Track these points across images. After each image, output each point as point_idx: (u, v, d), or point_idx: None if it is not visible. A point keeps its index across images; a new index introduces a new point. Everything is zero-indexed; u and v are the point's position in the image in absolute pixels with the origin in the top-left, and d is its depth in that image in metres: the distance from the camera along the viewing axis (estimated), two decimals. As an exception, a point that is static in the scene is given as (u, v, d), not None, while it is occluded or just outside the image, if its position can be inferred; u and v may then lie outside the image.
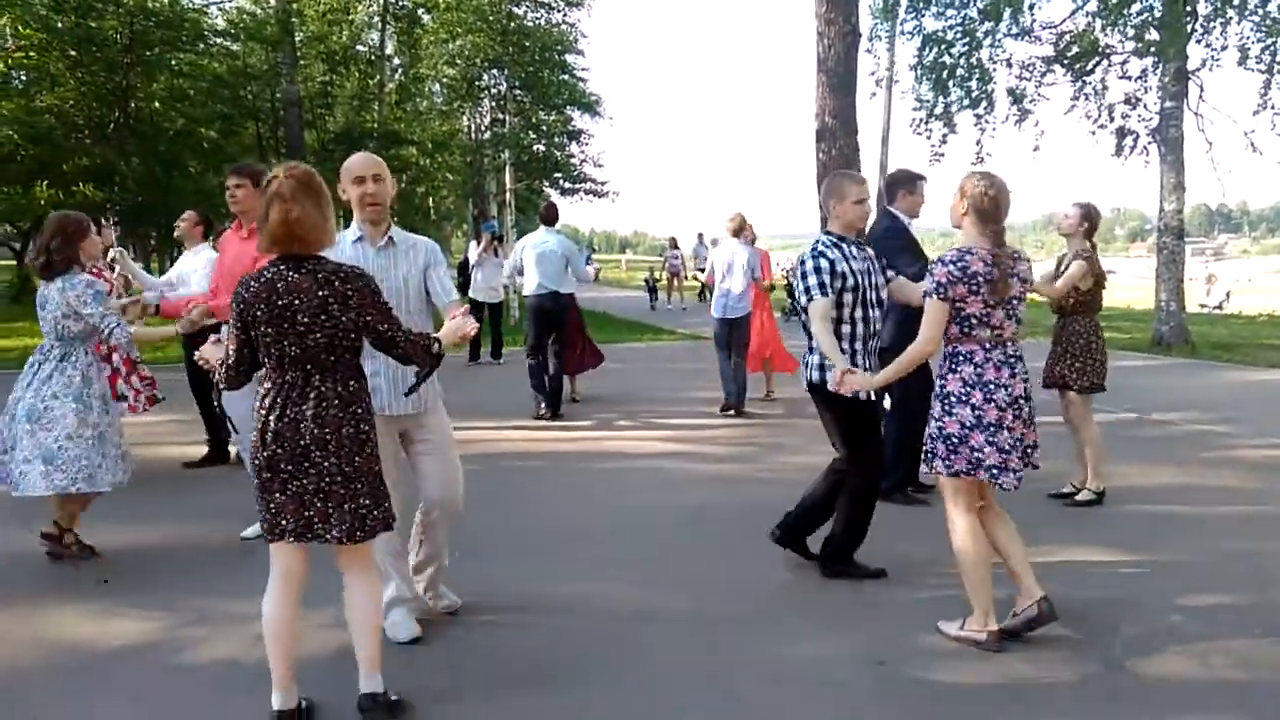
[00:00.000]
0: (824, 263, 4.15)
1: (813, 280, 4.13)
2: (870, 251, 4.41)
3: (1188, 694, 3.29)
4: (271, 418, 2.85)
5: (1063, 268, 5.72)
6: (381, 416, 3.57)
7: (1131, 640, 3.70)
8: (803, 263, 4.24)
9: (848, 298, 4.17)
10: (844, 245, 4.24)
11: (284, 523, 2.89)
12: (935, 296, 3.60)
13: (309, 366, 2.85)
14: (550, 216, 8.98)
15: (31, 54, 15.13)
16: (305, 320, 2.80)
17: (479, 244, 12.35)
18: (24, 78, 16.75)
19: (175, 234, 6.81)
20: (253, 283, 2.85)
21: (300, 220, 2.78)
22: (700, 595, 4.24)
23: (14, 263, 23.99)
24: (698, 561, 4.69)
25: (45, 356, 4.54)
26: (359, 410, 2.92)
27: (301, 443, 2.83)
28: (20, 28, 14.59)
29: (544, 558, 4.78)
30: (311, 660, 3.43)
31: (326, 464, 2.85)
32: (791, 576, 4.48)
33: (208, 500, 5.90)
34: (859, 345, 4.24)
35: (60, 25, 15.23)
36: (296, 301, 2.80)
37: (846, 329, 4.21)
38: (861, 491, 4.35)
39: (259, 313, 2.83)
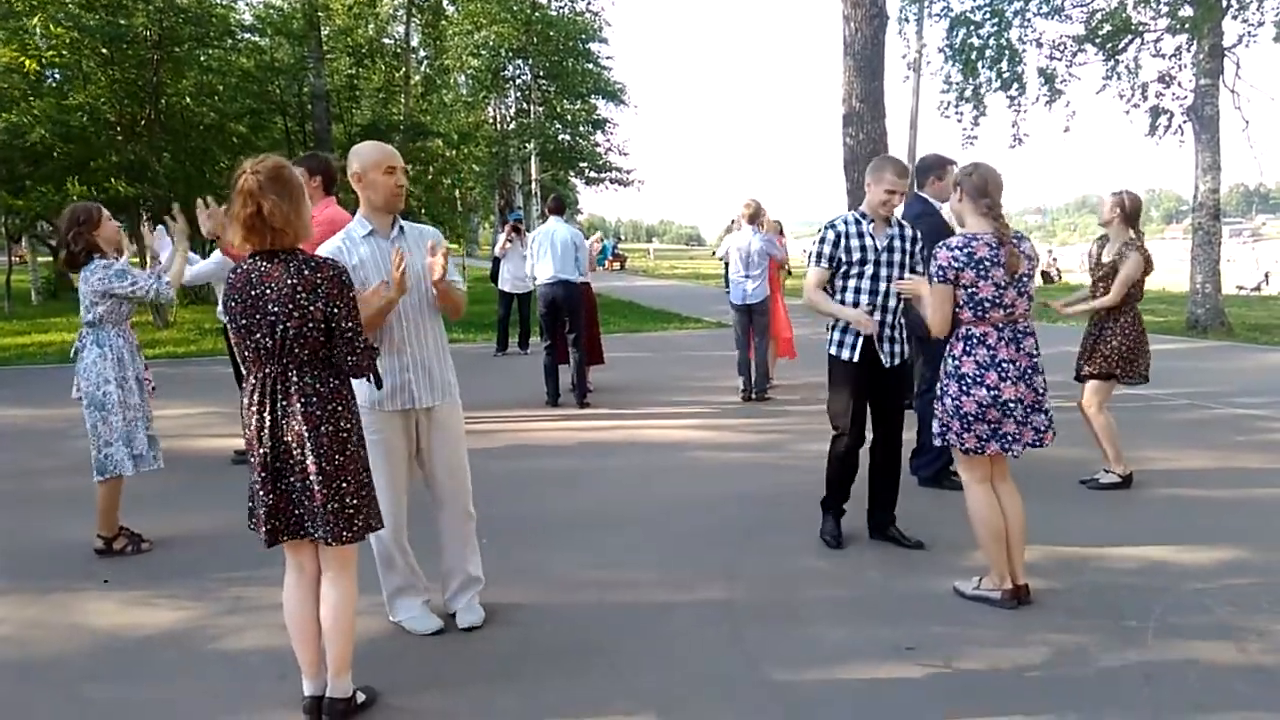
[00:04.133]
0: (830, 234, 4.47)
1: (813, 249, 4.52)
2: (900, 232, 4.53)
3: (1223, 678, 3.25)
4: (256, 416, 2.86)
5: (1105, 258, 5.62)
6: (399, 412, 3.57)
7: (1165, 624, 3.66)
8: (821, 229, 4.59)
9: (862, 270, 4.43)
10: (862, 223, 4.47)
11: (277, 523, 2.92)
12: (937, 280, 3.78)
13: (285, 361, 2.83)
14: (557, 207, 9.08)
15: (64, 52, 15.31)
16: (275, 310, 2.78)
17: (505, 235, 12.38)
18: (57, 76, 16.98)
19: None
20: (232, 274, 2.88)
21: (272, 213, 2.76)
22: (726, 582, 4.25)
23: (51, 259, 24.39)
24: (723, 549, 4.69)
25: (82, 343, 4.66)
26: (338, 408, 2.89)
27: (285, 440, 2.84)
28: (51, 26, 14.76)
29: (569, 545, 4.80)
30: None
31: (307, 463, 2.84)
32: (818, 564, 4.47)
33: (245, 489, 5.98)
34: (888, 317, 4.48)
35: (91, 23, 15.39)
36: (267, 291, 2.79)
37: (865, 298, 4.44)
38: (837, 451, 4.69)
39: (233, 303, 2.85)
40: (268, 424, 2.84)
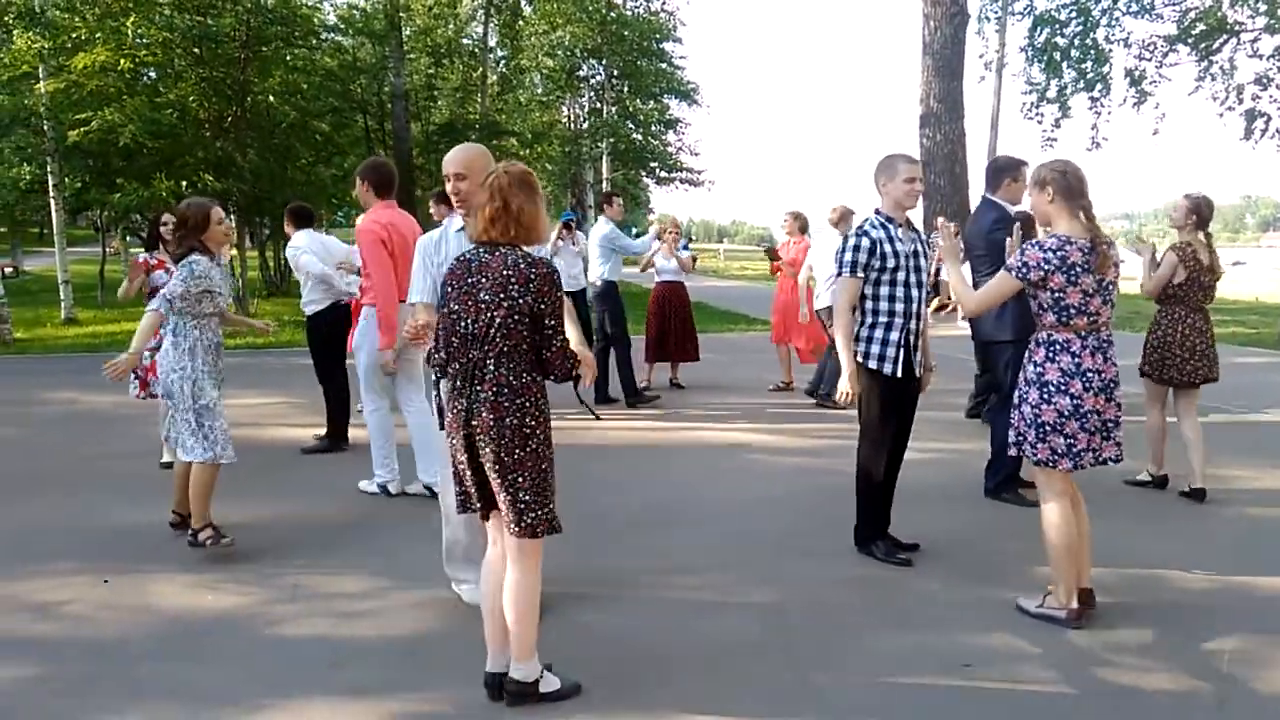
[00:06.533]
0: (865, 241, 4.28)
1: (847, 257, 4.31)
2: (918, 234, 4.49)
3: (1301, 713, 3.08)
4: (458, 400, 2.95)
5: (1159, 258, 5.58)
6: None
7: (1240, 649, 3.49)
8: (846, 238, 4.39)
9: (894, 277, 4.30)
10: (890, 226, 4.33)
11: (476, 502, 3.07)
12: (1013, 274, 3.66)
13: (486, 349, 2.90)
14: (600, 204, 9.20)
15: (156, 51, 15.92)
16: (486, 297, 2.89)
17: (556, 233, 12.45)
18: (152, 75, 17.67)
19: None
20: (455, 262, 3.03)
21: (521, 209, 2.93)
22: (779, 586, 4.18)
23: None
24: (777, 552, 4.63)
25: (164, 334, 4.77)
26: (526, 403, 2.92)
27: (474, 423, 2.92)
28: (145, 27, 15.36)
29: (623, 545, 4.79)
30: (395, 640, 3.52)
31: (488, 450, 2.91)
32: (874, 572, 4.37)
33: (314, 479, 6.11)
34: (912, 324, 4.36)
35: (182, 24, 15.98)
36: (483, 279, 2.91)
37: (900, 306, 4.33)
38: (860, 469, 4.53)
39: (450, 289, 2.99)
40: (464, 409, 2.93)
